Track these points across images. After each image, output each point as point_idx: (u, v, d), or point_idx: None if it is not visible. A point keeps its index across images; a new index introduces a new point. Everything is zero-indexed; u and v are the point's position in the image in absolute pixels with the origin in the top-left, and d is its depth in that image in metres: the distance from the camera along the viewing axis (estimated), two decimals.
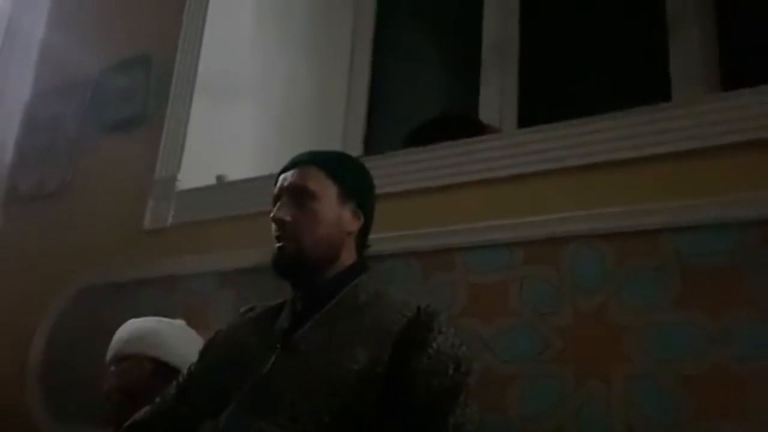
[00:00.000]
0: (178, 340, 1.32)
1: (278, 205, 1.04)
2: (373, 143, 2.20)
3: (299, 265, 1.01)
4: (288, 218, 1.01)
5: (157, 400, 1.09)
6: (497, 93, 1.96)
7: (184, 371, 1.13)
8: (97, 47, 2.24)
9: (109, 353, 1.32)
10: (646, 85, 1.77)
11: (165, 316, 1.40)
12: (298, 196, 1.03)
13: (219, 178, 1.88)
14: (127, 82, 2.10)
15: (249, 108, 2.08)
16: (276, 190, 1.07)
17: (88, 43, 2.30)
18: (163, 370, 1.26)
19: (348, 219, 1.05)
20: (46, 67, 2.41)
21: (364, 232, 1.09)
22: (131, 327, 1.35)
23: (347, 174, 1.08)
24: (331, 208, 1.04)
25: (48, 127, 2.28)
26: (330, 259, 1.03)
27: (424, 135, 1.63)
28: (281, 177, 1.07)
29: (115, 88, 2.12)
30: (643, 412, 1.10)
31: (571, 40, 1.98)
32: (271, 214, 1.04)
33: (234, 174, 1.87)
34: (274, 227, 1.03)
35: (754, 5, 1.71)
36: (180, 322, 1.39)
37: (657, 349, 1.12)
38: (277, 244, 1.02)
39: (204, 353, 1.11)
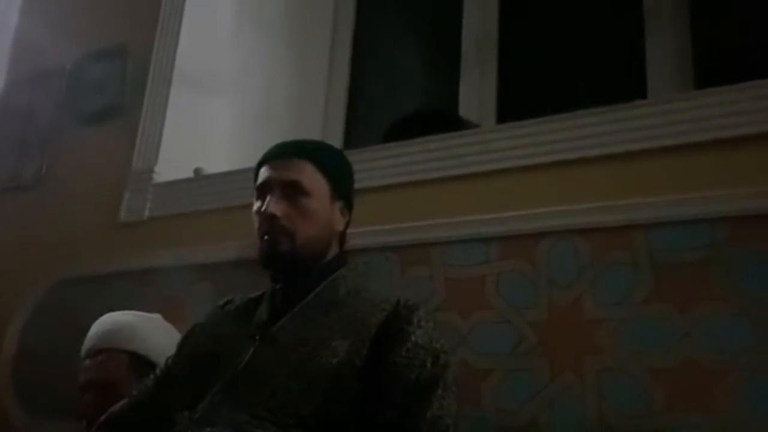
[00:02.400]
0: (154, 333, 1.31)
1: (269, 199, 1.00)
2: (352, 137, 2.20)
3: (291, 262, 1.00)
4: (280, 213, 0.98)
5: (134, 393, 1.09)
6: (476, 89, 1.97)
7: (161, 364, 1.12)
8: (72, 36, 2.21)
9: (85, 346, 1.31)
10: (622, 82, 1.79)
11: (141, 310, 1.39)
12: (291, 191, 1.00)
13: (196, 171, 1.86)
14: (103, 73, 2.07)
15: (227, 100, 2.07)
16: (263, 179, 1.03)
17: (64, 31, 2.25)
18: (139, 363, 1.25)
19: (337, 218, 1.06)
20: (20, 56, 2.36)
21: (345, 231, 1.09)
22: (107, 320, 1.34)
23: (339, 172, 1.08)
24: (324, 206, 1.03)
25: (22, 117, 2.24)
26: (319, 257, 1.03)
27: (403, 130, 1.64)
28: (268, 167, 1.04)
29: (91, 79, 2.09)
30: (615, 404, 1.12)
31: (550, 37, 1.99)
32: (262, 208, 1.00)
33: (211, 167, 1.86)
34: (262, 220, 1.00)
35: (728, 5, 1.74)
36: (156, 316, 1.38)
37: (629, 343, 1.14)
38: (266, 237, 0.99)
39: (182, 346, 1.10)
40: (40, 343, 1.83)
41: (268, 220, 0.99)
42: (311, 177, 1.03)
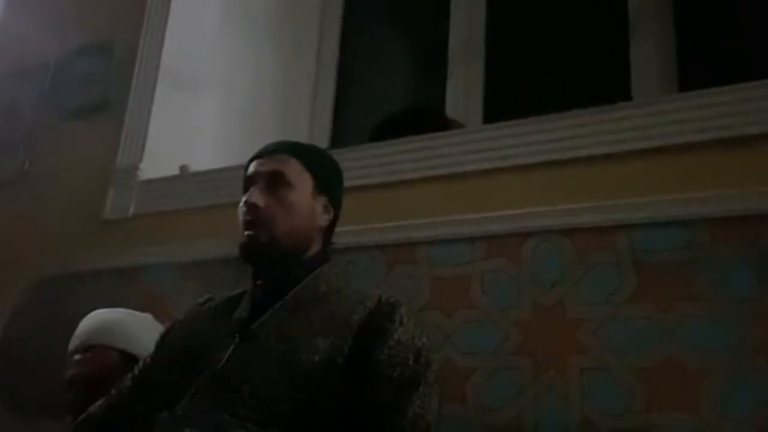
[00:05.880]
0: (145, 333, 1.29)
1: (251, 190, 1.01)
2: (339, 136, 2.20)
3: (269, 253, 1.00)
4: (262, 204, 0.99)
5: (112, 392, 1.07)
6: (463, 89, 1.97)
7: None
8: (57, 31, 2.19)
9: (73, 342, 1.30)
10: (607, 84, 1.81)
11: (125, 307, 1.38)
12: (273, 183, 1.02)
13: (182, 168, 1.85)
14: (89, 68, 2.05)
15: (213, 98, 2.06)
16: (248, 174, 1.05)
17: (49, 26, 2.23)
18: (128, 362, 1.24)
19: (320, 213, 1.06)
20: (5, 51, 2.34)
21: (330, 228, 1.09)
22: (98, 317, 1.32)
23: (323, 168, 1.08)
24: (306, 199, 1.04)
25: (5, 112, 2.21)
26: (299, 251, 1.03)
27: (390, 129, 1.64)
28: (255, 162, 1.06)
29: (76, 74, 2.07)
30: (597, 403, 1.13)
31: (536, 38, 2.00)
32: (244, 199, 1.02)
33: (197, 165, 1.85)
34: (244, 213, 1.01)
35: (711, 7, 1.76)
36: (146, 315, 1.37)
37: (612, 342, 1.15)
38: (247, 232, 1.00)
39: (160, 344, 1.09)
40: (23, 341, 1.82)
41: (249, 209, 1.00)
42: (294, 170, 1.04)
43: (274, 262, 1.01)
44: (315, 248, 1.06)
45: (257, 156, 1.07)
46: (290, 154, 1.05)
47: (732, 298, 1.10)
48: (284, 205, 1.01)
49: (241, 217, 1.02)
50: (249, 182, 1.04)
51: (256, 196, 1.00)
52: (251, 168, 1.06)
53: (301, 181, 1.04)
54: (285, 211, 1.01)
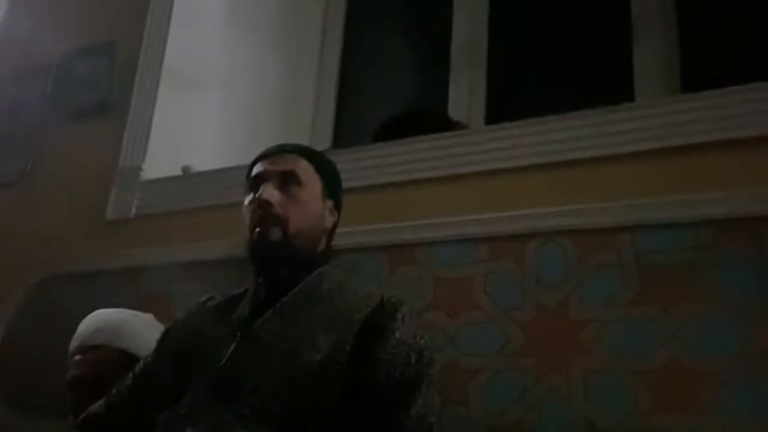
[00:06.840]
0: (146, 333, 1.29)
1: (263, 187, 1.00)
2: (341, 137, 2.20)
3: (280, 252, 0.99)
4: (276, 201, 0.99)
5: (113, 391, 1.07)
6: (466, 90, 1.98)
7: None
8: (60, 32, 2.19)
9: (75, 342, 1.30)
10: (610, 85, 1.81)
11: (128, 308, 1.38)
12: (285, 182, 1.02)
13: (184, 169, 1.86)
14: (91, 69, 2.05)
15: (216, 98, 2.06)
16: (255, 174, 1.04)
17: (51, 27, 2.24)
18: (130, 362, 1.23)
19: (327, 215, 1.07)
20: (6, 51, 2.34)
21: (333, 231, 1.10)
22: (100, 317, 1.32)
23: (330, 172, 1.10)
24: (317, 200, 1.05)
25: (7, 113, 2.22)
26: (307, 251, 1.02)
27: (393, 130, 1.64)
28: (262, 162, 1.05)
29: (79, 75, 2.07)
30: (600, 405, 1.13)
31: (539, 40, 2.01)
32: (254, 196, 1.01)
33: (200, 165, 1.85)
34: (255, 210, 1.00)
35: (714, 10, 1.76)
36: (148, 316, 1.37)
37: (615, 344, 1.15)
38: (258, 228, 0.98)
39: (161, 343, 1.09)
40: (25, 342, 1.81)
41: (261, 206, 0.99)
42: (305, 170, 1.04)
43: (283, 261, 1.00)
44: (319, 249, 1.06)
45: (264, 156, 1.07)
46: (300, 156, 1.06)
47: (736, 300, 1.09)
48: (297, 203, 1.01)
49: (249, 215, 1.01)
50: (257, 181, 1.03)
51: (269, 192, 0.99)
52: (259, 167, 1.05)
53: (311, 180, 1.04)
54: (298, 210, 1.01)
